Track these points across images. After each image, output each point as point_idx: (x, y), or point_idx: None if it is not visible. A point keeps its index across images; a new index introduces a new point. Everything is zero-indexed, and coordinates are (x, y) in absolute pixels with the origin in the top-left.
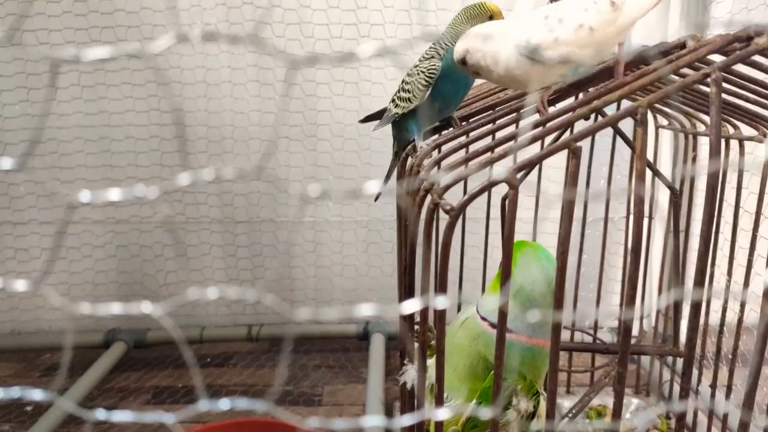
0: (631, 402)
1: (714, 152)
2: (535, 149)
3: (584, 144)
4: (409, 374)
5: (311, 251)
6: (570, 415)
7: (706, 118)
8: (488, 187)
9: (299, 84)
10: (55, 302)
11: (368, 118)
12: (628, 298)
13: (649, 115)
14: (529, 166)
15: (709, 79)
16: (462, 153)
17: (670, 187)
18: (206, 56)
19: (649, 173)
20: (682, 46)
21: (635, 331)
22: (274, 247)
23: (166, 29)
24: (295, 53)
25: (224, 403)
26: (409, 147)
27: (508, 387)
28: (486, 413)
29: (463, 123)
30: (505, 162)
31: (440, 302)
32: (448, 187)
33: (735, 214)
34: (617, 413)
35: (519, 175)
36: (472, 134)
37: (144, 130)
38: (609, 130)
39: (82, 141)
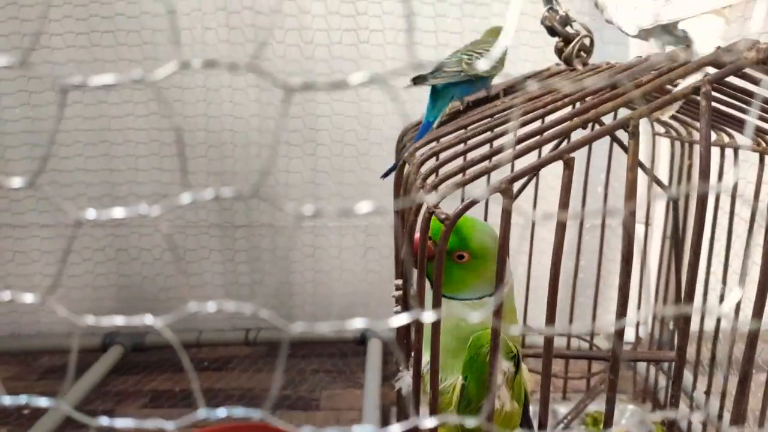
0: (627, 408)
1: (704, 164)
2: (533, 158)
3: (581, 153)
4: (405, 380)
5: (310, 256)
6: (565, 421)
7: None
8: (480, 200)
9: (298, 90)
10: (60, 313)
11: (417, 80)
12: (619, 307)
13: (647, 123)
14: (522, 176)
15: (700, 93)
16: (460, 160)
17: (669, 195)
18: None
19: (646, 180)
20: (674, 59)
21: (632, 338)
22: (273, 251)
23: (165, 34)
24: (294, 59)
25: (221, 412)
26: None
27: (485, 353)
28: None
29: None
30: (503, 171)
31: (432, 315)
32: (442, 198)
33: (730, 221)
34: (608, 420)
35: (518, 184)
36: (470, 142)
37: (144, 134)
38: (606, 138)
39: (81, 145)
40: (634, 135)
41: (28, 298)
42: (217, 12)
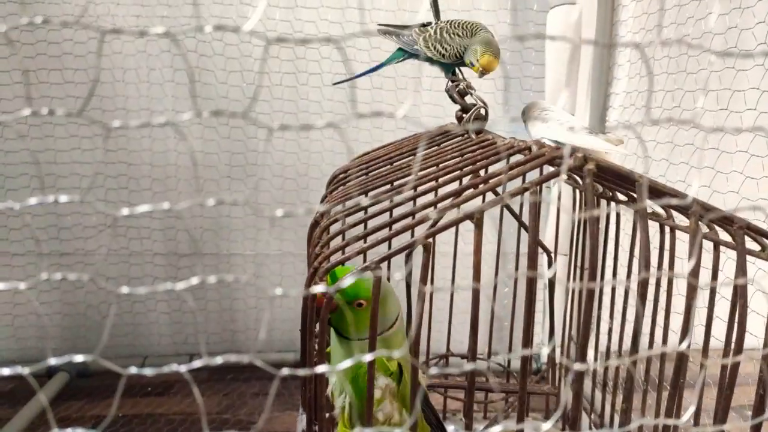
0: (540, 426)
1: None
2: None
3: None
4: (301, 423)
5: (252, 283)
6: None
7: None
8: (356, 275)
9: (241, 127)
10: None
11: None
12: (472, 341)
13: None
14: (393, 256)
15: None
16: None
17: (545, 250)
18: (151, 99)
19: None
20: (528, 149)
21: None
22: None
23: (112, 73)
24: (236, 98)
25: None
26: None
27: (363, 374)
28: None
29: None
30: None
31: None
32: (328, 271)
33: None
34: None
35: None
36: (371, 210)
37: (89, 167)
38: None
39: (28, 177)
40: (479, 226)
41: None
42: (161, 53)
